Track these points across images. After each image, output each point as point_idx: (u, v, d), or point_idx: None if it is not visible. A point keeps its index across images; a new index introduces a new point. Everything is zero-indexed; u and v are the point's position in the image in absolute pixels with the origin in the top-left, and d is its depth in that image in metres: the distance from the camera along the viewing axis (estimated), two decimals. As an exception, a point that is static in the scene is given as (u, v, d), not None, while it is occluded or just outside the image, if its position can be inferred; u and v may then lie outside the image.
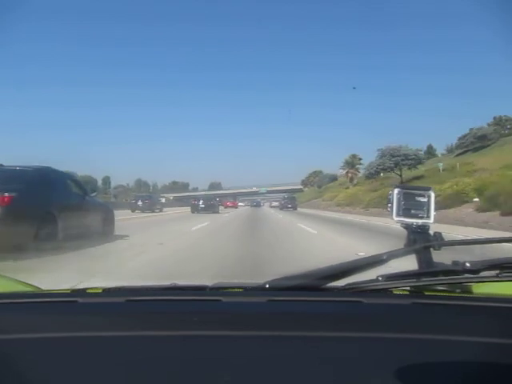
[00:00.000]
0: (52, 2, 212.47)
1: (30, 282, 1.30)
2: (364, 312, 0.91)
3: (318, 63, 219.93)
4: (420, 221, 1.11)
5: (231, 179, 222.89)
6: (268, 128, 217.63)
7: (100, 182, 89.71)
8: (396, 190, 1.14)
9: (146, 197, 32.67)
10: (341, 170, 66.35)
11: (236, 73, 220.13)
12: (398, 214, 1.13)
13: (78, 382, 0.68)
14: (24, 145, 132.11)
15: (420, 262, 1.02)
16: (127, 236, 9.18)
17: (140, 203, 29.76)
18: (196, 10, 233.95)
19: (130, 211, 27.63)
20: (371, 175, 47.63)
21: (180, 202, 60.16)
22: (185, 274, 4.77)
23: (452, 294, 1.00)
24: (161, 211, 31.24)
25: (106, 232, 8.68)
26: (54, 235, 6.67)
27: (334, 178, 77.15)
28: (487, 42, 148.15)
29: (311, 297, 0.97)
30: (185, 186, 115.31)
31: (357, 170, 61.93)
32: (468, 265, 0.86)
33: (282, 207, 42.71)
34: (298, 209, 41.70)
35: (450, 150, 62.57)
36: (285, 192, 79.04)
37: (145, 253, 6.83)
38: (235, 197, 67.52)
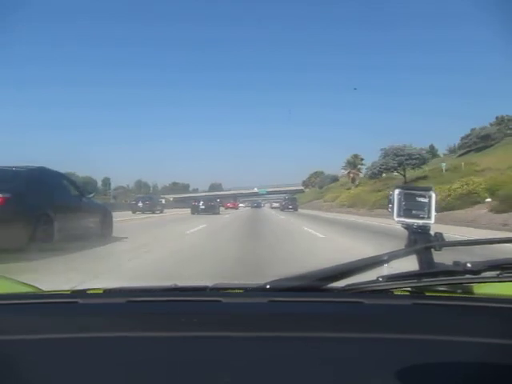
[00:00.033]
0: (52, 3, 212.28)
1: (30, 283, 1.29)
2: (364, 313, 0.91)
3: (318, 63, 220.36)
4: (421, 221, 1.11)
5: (232, 180, 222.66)
6: (268, 128, 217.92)
7: (100, 183, 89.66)
8: (397, 191, 1.13)
9: (147, 198, 32.63)
10: (342, 171, 65.49)
11: (236, 73, 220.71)
12: (398, 215, 1.12)
13: (78, 383, 0.68)
14: (24, 145, 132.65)
15: (421, 262, 1.02)
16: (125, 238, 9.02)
17: (140, 204, 29.72)
18: (196, 10, 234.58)
19: (130, 212, 27.63)
20: (374, 175, 46.73)
21: (180, 203, 59.83)
22: (185, 275, 4.75)
23: (453, 295, 0.99)
24: (161, 212, 31.14)
25: (103, 234, 8.47)
26: (50, 237, 6.51)
27: (335, 179, 76.70)
28: (487, 42, 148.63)
29: (312, 297, 0.96)
30: (185, 187, 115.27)
31: (359, 170, 61.15)
32: (469, 265, 0.86)
33: (283, 208, 42.49)
34: (300, 210, 41.28)
35: (451, 151, 62.31)
36: (285, 193, 78.97)
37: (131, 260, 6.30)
38: (236, 198, 67.29)
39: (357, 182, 57.46)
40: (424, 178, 38.77)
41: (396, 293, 1.00)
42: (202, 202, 30.00)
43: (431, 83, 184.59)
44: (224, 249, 7.65)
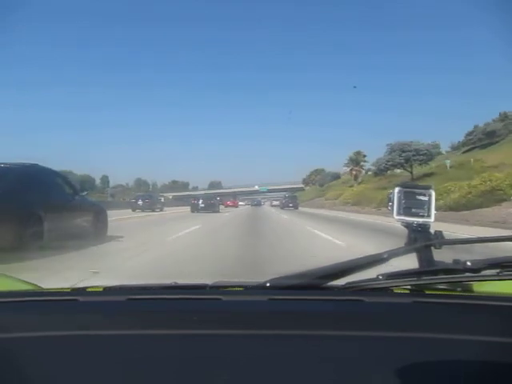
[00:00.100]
0: (52, 3, 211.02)
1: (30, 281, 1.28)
2: (365, 311, 0.91)
3: (318, 63, 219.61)
4: (421, 219, 1.10)
5: (231, 178, 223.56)
6: (268, 127, 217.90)
7: (98, 182, 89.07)
8: (397, 189, 1.13)
9: (147, 196, 32.57)
10: (345, 168, 64.20)
11: (236, 73, 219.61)
12: (398, 213, 1.12)
13: (78, 381, 0.68)
14: (23, 145, 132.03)
15: (421, 260, 1.02)
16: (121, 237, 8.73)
17: (140, 202, 29.68)
18: (195, 10, 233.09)
19: (130, 210, 27.63)
20: (380, 172, 45.38)
21: (180, 201, 59.54)
22: (185, 273, 4.71)
23: (453, 293, 0.99)
24: (161, 210, 31.05)
25: (97, 233, 8.17)
26: (40, 236, 6.22)
27: (336, 177, 76.08)
28: (487, 42, 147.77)
29: (312, 295, 0.96)
30: (185, 186, 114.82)
31: (361, 167, 60.15)
32: (469, 263, 0.85)
33: (283, 206, 42.09)
34: (302, 208, 40.54)
35: (454, 148, 61.63)
36: (286, 191, 78.49)
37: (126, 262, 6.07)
38: (235, 196, 66.98)
39: (359, 180, 56.62)
40: (431, 174, 37.85)
41: (396, 291, 1.00)
42: (201, 201, 29.77)
43: (432, 83, 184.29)
44: (219, 255, 6.77)
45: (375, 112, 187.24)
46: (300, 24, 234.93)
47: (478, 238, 1.04)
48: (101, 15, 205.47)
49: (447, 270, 0.93)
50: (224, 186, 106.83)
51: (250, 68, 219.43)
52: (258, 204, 62.53)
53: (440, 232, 1.07)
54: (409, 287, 1.01)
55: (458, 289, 1.00)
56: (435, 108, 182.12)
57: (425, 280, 0.96)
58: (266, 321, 0.84)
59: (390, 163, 42.44)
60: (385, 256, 0.98)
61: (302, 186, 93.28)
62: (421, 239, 1.07)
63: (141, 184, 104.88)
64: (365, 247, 7.50)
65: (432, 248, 1.02)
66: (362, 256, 1.02)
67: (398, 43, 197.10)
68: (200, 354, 0.73)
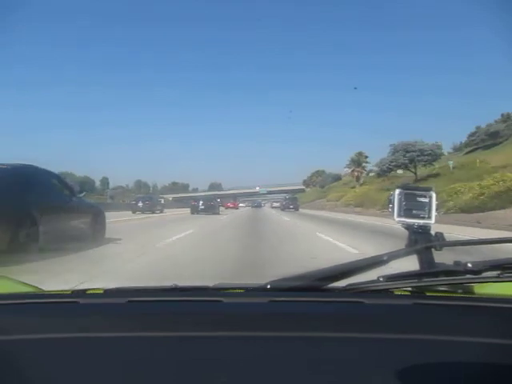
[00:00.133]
0: (52, 3, 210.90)
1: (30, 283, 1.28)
2: (365, 312, 0.91)
3: (318, 63, 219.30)
4: (421, 221, 1.10)
5: (231, 180, 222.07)
6: (268, 127, 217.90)
7: (98, 183, 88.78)
8: (397, 191, 1.13)
9: (147, 198, 32.40)
10: (346, 169, 63.29)
11: (236, 73, 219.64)
12: (399, 215, 1.12)
13: (78, 383, 0.68)
14: (23, 145, 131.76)
15: (421, 262, 1.01)
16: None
17: (140, 204, 29.52)
18: (195, 10, 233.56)
19: (130, 212, 27.52)
20: (383, 172, 44.09)
21: (180, 202, 59.18)
22: (185, 276, 4.68)
23: (453, 295, 0.99)
24: (161, 212, 30.93)
25: (95, 235, 7.99)
26: (35, 239, 6.03)
27: (337, 178, 75.69)
28: (488, 42, 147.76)
29: (312, 297, 0.96)
30: (185, 187, 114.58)
31: (363, 168, 59.17)
32: (469, 265, 0.85)
33: (284, 208, 41.87)
34: (302, 210, 40.05)
35: (456, 149, 61.28)
36: (286, 192, 78.30)
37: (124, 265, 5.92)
38: (235, 197, 66.74)
39: (361, 181, 55.86)
40: (435, 175, 37.01)
41: (396, 293, 1.00)
42: (201, 202, 29.81)
43: (432, 83, 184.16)
44: (218, 258, 6.55)
45: (376, 112, 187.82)
46: (300, 24, 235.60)
47: (479, 239, 1.05)
48: (101, 15, 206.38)
49: (448, 272, 0.93)
50: (224, 188, 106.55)
51: (250, 68, 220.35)
52: (259, 206, 62.58)
53: (441, 234, 1.06)
54: (409, 289, 1.01)
55: (459, 291, 1.00)
56: (436, 108, 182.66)
57: (425, 282, 0.96)
58: (266, 323, 0.84)
59: (393, 164, 41.29)
60: (385, 258, 0.98)
61: (303, 187, 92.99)
62: (421, 241, 1.07)
63: (141, 186, 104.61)
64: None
65: (432, 250, 1.02)
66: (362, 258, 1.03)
67: (397, 43, 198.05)
68: (200, 356, 0.73)
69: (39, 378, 0.68)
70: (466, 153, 50.28)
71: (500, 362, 0.71)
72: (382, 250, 1.05)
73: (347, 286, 0.99)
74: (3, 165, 6.57)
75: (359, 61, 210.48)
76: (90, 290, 1.12)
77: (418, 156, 39.04)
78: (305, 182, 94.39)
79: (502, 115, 52.18)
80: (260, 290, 1.01)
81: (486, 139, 47.62)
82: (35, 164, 7.23)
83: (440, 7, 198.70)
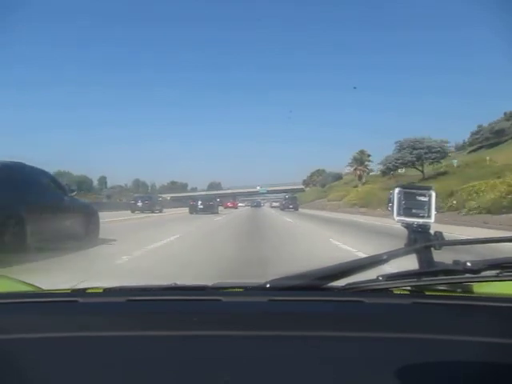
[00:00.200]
0: (52, 3, 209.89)
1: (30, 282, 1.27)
2: (364, 312, 0.91)
3: (318, 63, 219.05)
4: (421, 220, 1.10)
5: (231, 179, 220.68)
6: (268, 127, 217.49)
7: (96, 182, 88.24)
8: (397, 190, 1.13)
9: (146, 197, 32.34)
10: (348, 167, 61.86)
11: (236, 73, 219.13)
12: (398, 214, 1.11)
13: (78, 382, 0.68)
14: (23, 145, 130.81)
15: (421, 261, 1.01)
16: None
17: (140, 204, 29.41)
18: (195, 10, 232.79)
19: (129, 212, 27.56)
20: (389, 170, 42.10)
21: (178, 202, 58.58)
22: (185, 275, 4.67)
23: (453, 294, 0.99)
24: (161, 212, 30.80)
25: (88, 235, 7.72)
26: (22, 240, 5.80)
27: (338, 177, 74.98)
28: (488, 42, 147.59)
29: (312, 296, 0.96)
30: (183, 186, 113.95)
31: (365, 166, 57.69)
32: (469, 264, 0.85)
33: (283, 208, 41.52)
34: (304, 210, 39.18)
35: (459, 148, 60.78)
36: (285, 192, 77.80)
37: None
38: (235, 197, 66.40)
39: (363, 180, 54.83)
40: (443, 174, 35.35)
41: (396, 292, 1.00)
42: (200, 202, 29.61)
43: (432, 83, 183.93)
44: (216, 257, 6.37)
45: (376, 112, 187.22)
46: (300, 24, 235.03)
47: (478, 238, 1.04)
48: (101, 15, 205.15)
49: (447, 271, 0.93)
50: (223, 187, 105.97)
51: (250, 68, 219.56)
52: (258, 205, 62.40)
53: (440, 233, 1.06)
54: (409, 288, 1.00)
55: (458, 290, 0.99)
56: (436, 108, 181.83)
57: (425, 281, 0.96)
58: (265, 322, 0.84)
59: (399, 161, 39.39)
60: (385, 257, 0.98)
61: (302, 187, 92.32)
62: (421, 240, 1.06)
63: (139, 185, 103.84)
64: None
65: (432, 249, 1.02)
66: (361, 257, 1.00)
67: (397, 43, 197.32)
68: (200, 355, 0.72)
69: (39, 377, 0.69)
70: (470, 151, 49.72)
71: (499, 361, 0.71)
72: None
73: (347, 285, 0.98)
74: None
75: (359, 61, 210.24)
76: (89, 288, 1.11)
77: (425, 153, 37.21)
78: (304, 182, 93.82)
79: (505, 114, 51.79)
80: (259, 289, 1.00)
81: (491, 137, 46.99)
82: (35, 163, 7.16)
83: (440, 7, 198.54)
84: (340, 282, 0.98)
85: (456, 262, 0.90)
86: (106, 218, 8.93)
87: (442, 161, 38.84)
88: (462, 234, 10.30)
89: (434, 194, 1.13)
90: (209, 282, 1.10)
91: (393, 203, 1.12)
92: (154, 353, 0.73)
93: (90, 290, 1.09)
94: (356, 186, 50.81)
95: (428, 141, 37.97)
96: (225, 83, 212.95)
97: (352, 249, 7.50)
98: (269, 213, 31.77)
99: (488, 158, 34.46)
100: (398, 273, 0.96)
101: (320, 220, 20.45)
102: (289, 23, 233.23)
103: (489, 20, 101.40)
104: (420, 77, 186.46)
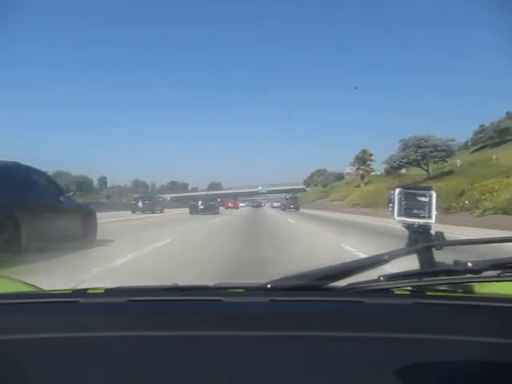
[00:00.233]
0: (52, 3, 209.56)
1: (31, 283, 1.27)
2: (365, 312, 0.91)
3: (318, 63, 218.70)
4: (422, 220, 1.10)
5: (231, 179, 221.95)
6: (268, 127, 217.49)
7: (96, 183, 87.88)
8: (397, 190, 1.13)
9: (147, 198, 32.22)
10: (351, 167, 60.96)
11: (236, 73, 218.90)
12: (399, 214, 1.12)
13: (79, 382, 0.68)
14: (23, 145, 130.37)
15: (421, 261, 1.01)
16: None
17: (140, 204, 29.23)
18: (195, 10, 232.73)
19: (130, 212, 27.49)
20: (393, 170, 40.86)
21: (178, 202, 58.10)
22: (186, 275, 4.64)
23: (454, 294, 0.99)
24: (162, 212, 30.64)
25: (86, 236, 7.65)
26: (17, 242, 5.67)
27: (339, 177, 74.54)
28: (488, 42, 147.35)
29: (313, 297, 0.96)
30: (184, 187, 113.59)
31: (368, 166, 56.62)
32: (470, 265, 0.85)
33: (284, 208, 41.27)
34: (306, 211, 38.53)
35: (460, 147, 60.22)
36: (286, 192, 77.54)
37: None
38: (235, 197, 66.17)
39: (366, 179, 54.11)
40: (448, 173, 34.17)
41: (397, 292, 1.00)
42: (200, 202, 29.35)
43: (432, 83, 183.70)
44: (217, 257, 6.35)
45: (376, 112, 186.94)
46: (300, 24, 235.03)
47: (479, 239, 1.04)
48: (101, 15, 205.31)
49: (448, 271, 0.93)
50: (224, 187, 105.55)
51: (250, 68, 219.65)
52: (259, 205, 62.23)
53: (441, 233, 1.06)
54: (409, 288, 1.00)
55: (459, 290, 0.99)
56: (436, 108, 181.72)
57: (425, 281, 0.96)
58: (266, 322, 0.84)
59: (404, 160, 37.97)
60: (385, 257, 0.98)
61: (303, 187, 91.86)
62: (421, 240, 1.06)
63: (139, 185, 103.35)
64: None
65: (433, 249, 1.02)
66: (362, 257, 0.99)
67: (398, 43, 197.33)
68: (201, 356, 0.73)
69: (40, 377, 0.69)
70: (473, 151, 49.27)
71: (500, 362, 0.71)
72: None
73: (347, 285, 0.98)
74: None
75: (359, 61, 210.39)
76: (90, 289, 1.11)
77: (431, 152, 35.98)
78: (305, 182, 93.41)
79: (508, 113, 51.32)
80: (260, 290, 1.00)
81: (495, 136, 46.50)
82: (35, 163, 7.11)
83: (440, 7, 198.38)
84: (341, 283, 0.98)
85: (457, 263, 0.90)
86: (107, 218, 8.60)
87: (447, 160, 37.87)
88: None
89: (434, 195, 1.12)
90: (210, 283, 1.10)
91: (393, 203, 1.12)
92: (155, 353, 0.73)
93: (90, 291, 1.09)
94: (358, 186, 50.25)
95: (433, 139, 36.87)
96: (225, 83, 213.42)
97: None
98: (270, 213, 31.44)
99: (495, 156, 33.66)
100: (398, 273, 0.96)
101: (325, 221, 19.50)
102: (289, 23, 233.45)
103: (489, 20, 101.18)
104: (420, 77, 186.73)
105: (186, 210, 30.19)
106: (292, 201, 43.39)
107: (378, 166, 57.89)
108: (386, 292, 0.97)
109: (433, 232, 1.08)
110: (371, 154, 57.01)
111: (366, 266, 0.99)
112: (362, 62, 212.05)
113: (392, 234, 8.76)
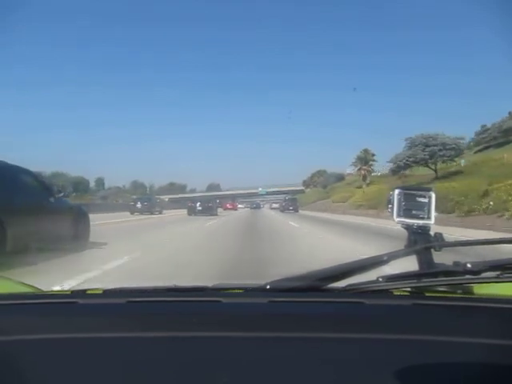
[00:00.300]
0: (52, 3, 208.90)
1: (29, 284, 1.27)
2: (365, 313, 0.90)
3: (318, 63, 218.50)
4: (421, 221, 1.10)
5: (230, 180, 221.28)
6: (268, 128, 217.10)
7: (93, 184, 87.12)
8: (396, 191, 1.13)
9: (145, 199, 32.14)
10: (352, 167, 59.59)
11: (236, 73, 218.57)
12: (398, 215, 1.11)
13: (78, 383, 0.68)
14: (23, 145, 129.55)
15: (421, 262, 1.01)
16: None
17: (139, 205, 29.10)
18: (195, 10, 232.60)
19: (129, 213, 27.39)
20: (399, 169, 38.53)
21: (177, 203, 57.53)
22: (185, 276, 4.65)
23: (453, 295, 0.99)
24: (160, 213, 30.50)
25: (77, 239, 7.39)
26: (2, 246, 5.43)
27: (340, 178, 73.79)
28: (488, 42, 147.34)
29: (312, 298, 0.96)
30: (182, 188, 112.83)
31: (369, 166, 55.12)
32: (469, 266, 0.85)
33: (283, 209, 41.16)
34: (307, 212, 37.99)
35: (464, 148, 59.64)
36: (285, 193, 77.07)
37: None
38: (234, 198, 65.61)
39: (368, 180, 53.01)
40: (456, 173, 32.31)
41: (396, 293, 0.99)
42: (198, 203, 29.19)
43: (432, 83, 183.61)
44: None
45: (376, 112, 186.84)
46: (300, 24, 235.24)
47: (478, 240, 1.04)
48: (101, 15, 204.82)
49: (447, 272, 0.92)
50: (223, 188, 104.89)
51: (250, 68, 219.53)
52: (258, 207, 61.89)
53: (440, 234, 1.06)
54: (409, 289, 1.00)
55: (458, 291, 0.99)
56: (436, 108, 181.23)
57: (425, 282, 0.96)
58: (266, 323, 0.84)
59: (411, 159, 35.65)
60: (385, 258, 0.97)
61: (303, 188, 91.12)
62: (421, 241, 1.06)
63: (137, 186, 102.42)
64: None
65: (432, 250, 1.01)
66: (361, 258, 1.01)
67: (398, 43, 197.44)
68: (200, 357, 0.73)
69: (39, 378, 0.68)
70: (477, 151, 48.68)
71: (500, 363, 0.71)
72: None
73: (347, 286, 0.98)
74: None
75: (359, 61, 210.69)
76: (89, 290, 1.11)
77: (439, 150, 33.97)
78: (305, 183, 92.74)
79: (510, 113, 50.82)
80: (259, 291, 1.00)
81: (499, 137, 45.91)
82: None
83: (440, 7, 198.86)
84: (340, 283, 0.98)
85: (456, 263, 0.89)
86: (105, 219, 8.02)
87: (455, 159, 35.83)
88: None
89: (433, 196, 1.12)
90: (208, 283, 1.10)
91: (393, 204, 1.12)
92: (154, 354, 0.73)
93: (89, 292, 1.09)
94: (360, 187, 49.30)
95: (442, 137, 34.80)
96: (225, 83, 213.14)
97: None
98: (269, 215, 30.98)
99: (506, 155, 32.60)
100: (398, 274, 0.96)
101: (333, 224, 18.05)
102: (289, 23, 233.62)
103: (489, 20, 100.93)
104: (420, 77, 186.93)
105: (184, 212, 29.87)
106: (291, 202, 43.26)
107: (379, 167, 57.23)
108: (386, 293, 0.97)
109: (432, 233, 1.08)
110: (373, 154, 55.45)
111: (366, 266, 0.99)
112: (362, 62, 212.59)
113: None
